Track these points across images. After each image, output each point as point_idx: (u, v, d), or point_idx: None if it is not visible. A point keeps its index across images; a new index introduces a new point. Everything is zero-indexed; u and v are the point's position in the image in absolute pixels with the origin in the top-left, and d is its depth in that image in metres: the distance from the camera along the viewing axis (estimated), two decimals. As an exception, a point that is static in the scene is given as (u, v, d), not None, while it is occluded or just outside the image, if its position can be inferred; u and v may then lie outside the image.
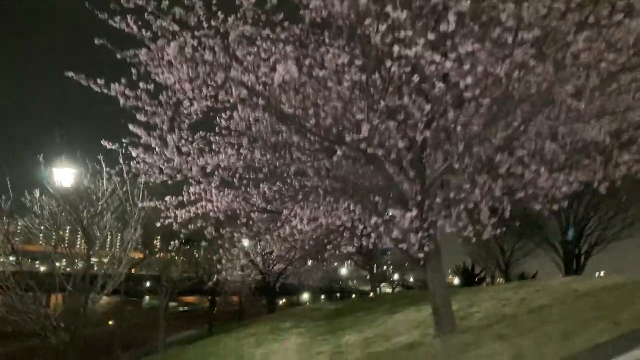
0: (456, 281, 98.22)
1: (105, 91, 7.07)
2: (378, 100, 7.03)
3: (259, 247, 31.30)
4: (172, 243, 10.44)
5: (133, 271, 46.84)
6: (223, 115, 8.48)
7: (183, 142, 8.13)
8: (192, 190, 9.75)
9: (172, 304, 69.26)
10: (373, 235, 8.09)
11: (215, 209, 9.78)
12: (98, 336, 27.42)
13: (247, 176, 9.34)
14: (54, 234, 11.45)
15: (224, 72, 6.63)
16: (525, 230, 31.42)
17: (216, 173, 9.20)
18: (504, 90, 6.98)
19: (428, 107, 6.93)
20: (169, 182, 9.52)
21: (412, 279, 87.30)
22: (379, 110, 7.08)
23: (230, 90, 7.13)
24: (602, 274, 28.34)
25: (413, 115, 7.13)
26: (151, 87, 7.21)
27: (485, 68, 6.10)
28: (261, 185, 9.41)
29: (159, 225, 10.02)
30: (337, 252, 9.95)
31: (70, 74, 6.24)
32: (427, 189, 8.16)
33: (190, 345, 20.23)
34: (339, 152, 7.15)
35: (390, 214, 7.60)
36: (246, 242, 32.39)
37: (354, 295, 79.85)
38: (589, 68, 7.03)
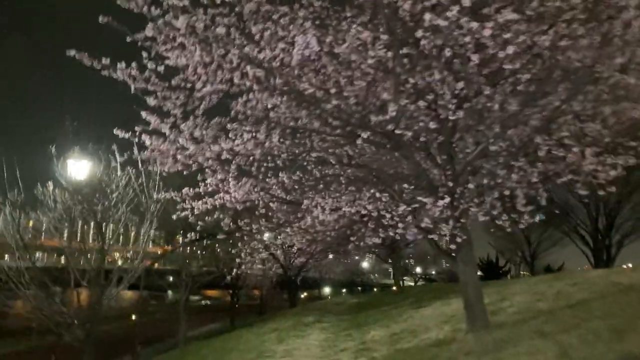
0: (479, 274, 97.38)
1: (112, 75, 6.58)
2: (405, 79, 6.47)
3: (279, 239, 30.97)
4: (189, 235, 9.85)
5: (156, 265, 47.08)
6: (239, 99, 7.97)
7: (197, 128, 7.62)
8: (208, 180, 9.29)
9: (195, 298, 69.59)
10: (400, 225, 7.54)
11: (233, 200, 9.33)
12: (120, 331, 27.35)
13: (265, 165, 8.86)
14: (68, 228, 11.08)
15: (238, 49, 6.11)
16: (553, 219, 30.45)
17: (233, 161, 8.76)
18: (545, 65, 6.36)
19: (460, 85, 6.32)
20: (185, 172, 9.09)
21: (434, 272, 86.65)
22: (406, 90, 6.52)
23: (246, 71, 6.61)
24: (630, 265, 27.39)
25: (443, 94, 6.54)
26: (161, 68, 6.71)
27: (526, 38, 5.47)
28: (280, 174, 8.92)
29: (175, 217, 9.57)
30: (361, 243, 9.39)
31: (72, 52, 5.77)
32: (458, 174, 7.57)
33: (211, 340, 19.91)
34: (363, 136, 6.57)
35: (419, 203, 7.03)
36: (266, 235, 32.10)
37: (375, 289, 79.40)
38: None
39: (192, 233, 9.87)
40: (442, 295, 17.60)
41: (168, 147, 8.42)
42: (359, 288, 69.95)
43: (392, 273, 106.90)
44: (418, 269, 78.30)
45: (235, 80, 6.87)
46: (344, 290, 72.88)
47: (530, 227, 37.43)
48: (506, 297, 11.94)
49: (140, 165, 10.71)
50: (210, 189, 9.44)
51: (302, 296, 65.25)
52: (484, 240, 46.22)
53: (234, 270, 13.14)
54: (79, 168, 10.81)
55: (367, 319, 16.24)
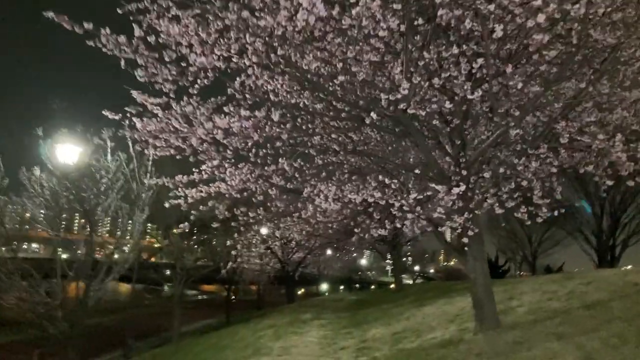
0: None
1: (98, 44, 5.97)
2: (419, 55, 5.87)
3: (277, 233, 30.42)
4: (181, 225, 9.21)
5: (153, 259, 46.43)
6: (236, 80, 7.37)
7: (191, 108, 7.00)
8: (203, 167, 8.71)
9: (191, 292, 68.98)
10: (409, 215, 6.95)
11: (229, 188, 8.75)
12: (113, 324, 26.77)
13: (264, 151, 8.27)
14: (54, 216, 10.42)
15: (236, 15, 5.51)
16: (556, 217, 29.83)
17: (229, 146, 8.19)
18: (573, 42, 5.77)
19: (480, 61, 5.72)
20: (177, 157, 8.53)
21: (432, 270, 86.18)
22: (419, 69, 5.92)
23: (244, 43, 6.02)
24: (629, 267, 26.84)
25: (458, 74, 5.95)
26: (152, 39, 6.10)
27: (557, 7, 4.87)
28: (280, 161, 8.33)
29: (167, 205, 8.97)
30: (366, 235, 8.79)
31: (50, 14, 5.15)
32: (472, 162, 6.99)
33: (205, 335, 19.34)
34: (373, 116, 5.96)
35: (432, 191, 6.45)
36: (264, 230, 31.54)
37: (372, 286, 78.91)
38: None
39: (186, 223, 9.15)
40: (444, 293, 17.03)
41: (159, 128, 7.86)
42: (357, 285, 69.32)
43: (391, 270, 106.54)
44: (416, 267, 77.83)
45: (233, 52, 6.27)
46: (341, 287, 72.34)
47: (532, 225, 37.08)
48: (514, 296, 11.38)
49: (131, 149, 10.13)
50: (205, 176, 8.86)
51: (300, 292, 64.74)
52: (485, 238, 45.64)
53: (230, 263, 12.51)
54: (67, 152, 10.17)
55: (367, 316, 15.68)
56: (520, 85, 5.84)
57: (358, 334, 12.57)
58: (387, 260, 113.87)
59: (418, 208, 6.93)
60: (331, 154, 8.50)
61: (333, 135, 8.12)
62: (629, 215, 26.47)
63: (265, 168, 8.51)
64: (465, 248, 8.10)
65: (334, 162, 8.68)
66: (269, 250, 30.69)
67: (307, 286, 66.75)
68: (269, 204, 9.32)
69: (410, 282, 76.99)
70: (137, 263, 20.02)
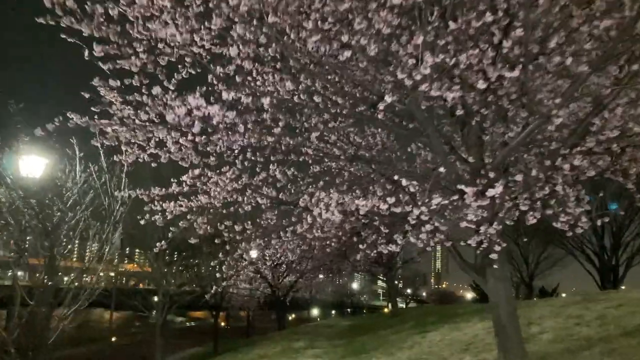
0: (468, 295, 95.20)
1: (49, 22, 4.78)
2: (440, 33, 4.75)
3: (267, 253, 29.06)
4: (158, 245, 7.90)
5: (140, 285, 44.64)
6: (217, 68, 6.22)
7: (167, 98, 5.77)
8: (184, 177, 7.51)
9: (179, 319, 66.87)
10: (426, 227, 5.73)
11: (213, 200, 7.54)
12: (89, 356, 25.08)
13: (253, 157, 7.10)
14: (16, 236, 9.06)
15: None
16: (553, 236, 28.76)
17: (212, 153, 7.03)
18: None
19: (519, 33, 4.60)
20: (153, 165, 7.34)
21: (424, 293, 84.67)
22: (438, 46, 4.79)
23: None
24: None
25: (488, 50, 4.82)
26: (114, 11, 4.93)
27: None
28: (271, 168, 7.14)
29: (143, 222, 7.70)
30: (372, 253, 7.55)
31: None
32: (498, 164, 5.84)
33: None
34: (386, 100, 4.77)
35: (459, 194, 5.26)
36: (253, 253, 30.13)
37: (364, 310, 77.20)
38: None
39: (162, 242, 7.86)
40: (446, 318, 15.77)
41: (132, 130, 6.70)
42: (348, 310, 67.51)
43: (383, 294, 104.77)
44: (408, 290, 76.31)
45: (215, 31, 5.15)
46: (333, 311, 70.59)
47: (527, 245, 35.97)
48: (533, 321, 10.17)
49: (102, 158, 8.85)
50: (185, 189, 7.65)
51: (291, 318, 62.90)
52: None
53: (215, 287, 11.15)
54: (32, 164, 8.91)
55: (365, 344, 14.36)
56: (569, 61, 4.70)
57: (359, 365, 11.28)
58: (379, 284, 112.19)
59: (446, 213, 5.75)
60: (330, 160, 7.35)
61: (332, 138, 6.98)
62: (632, 232, 25.26)
63: (255, 177, 7.34)
64: (489, 267, 6.95)
65: (332, 169, 7.52)
66: (259, 274, 29.26)
67: (299, 311, 64.94)
68: (258, 219, 8.09)
69: (403, 305, 75.40)
70: (115, 289, 18.55)
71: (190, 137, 6.57)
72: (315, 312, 66.02)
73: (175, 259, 18.37)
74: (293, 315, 66.87)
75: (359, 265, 21.86)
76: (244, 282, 31.99)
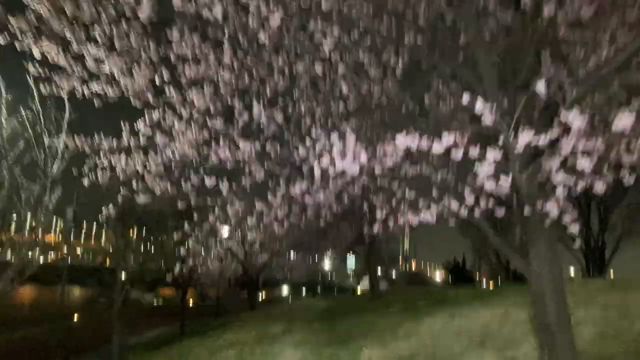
0: (437, 277, 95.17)
1: None
2: None
3: (238, 234, 27.17)
4: (105, 211, 5.91)
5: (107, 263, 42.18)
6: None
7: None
8: (140, 127, 5.61)
9: (149, 297, 64.45)
10: (487, 184, 3.97)
11: (177, 154, 5.68)
12: (45, 337, 22.86)
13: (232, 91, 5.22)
14: None
15: None
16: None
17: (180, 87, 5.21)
18: None
19: None
20: (97, 105, 5.49)
21: (394, 275, 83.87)
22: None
23: None
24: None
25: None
26: None
27: None
28: (254, 106, 5.25)
29: (86, 182, 5.75)
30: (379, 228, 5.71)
31: None
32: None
33: (152, 353, 15.87)
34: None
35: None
36: (224, 230, 28.07)
37: (335, 291, 76.06)
38: None
39: (110, 205, 5.91)
40: (438, 303, 14.22)
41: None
42: (318, 289, 66.15)
43: (353, 275, 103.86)
44: (378, 272, 75.36)
45: None
46: (303, 290, 69.20)
47: (506, 224, 34.88)
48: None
49: (35, 96, 6.82)
50: (142, 140, 5.75)
51: (261, 297, 61.24)
52: (453, 240, 43.38)
53: (179, 265, 9.25)
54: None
55: (350, 330, 12.69)
56: None
57: (348, 356, 9.57)
58: (349, 265, 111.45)
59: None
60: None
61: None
62: (619, 214, 23.99)
63: (236, 121, 5.45)
64: (534, 245, 5.36)
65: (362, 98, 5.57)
66: (230, 253, 27.35)
67: (270, 290, 63.37)
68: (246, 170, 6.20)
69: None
70: (67, 266, 16.44)
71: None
72: (285, 290, 64.47)
73: (137, 233, 16.24)
74: (264, 295, 65.24)
75: (339, 244, 20.17)
76: (214, 261, 30.12)
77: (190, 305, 48.76)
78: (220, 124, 5.38)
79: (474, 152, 3.61)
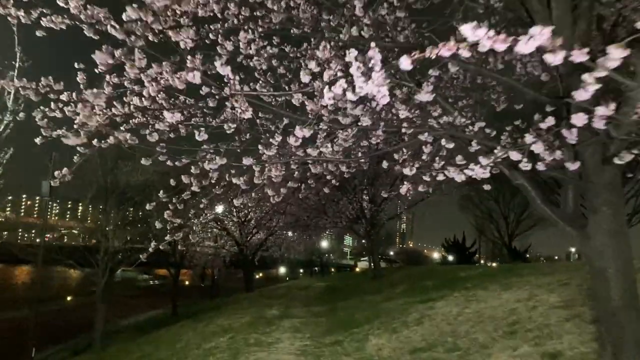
0: (435, 255, 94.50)
1: None
2: None
3: (233, 212, 25.98)
4: (57, 175, 4.62)
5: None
6: None
7: None
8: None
9: (144, 277, 63.40)
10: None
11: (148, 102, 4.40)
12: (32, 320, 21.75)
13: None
14: None
15: None
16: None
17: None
18: None
19: None
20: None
21: (392, 253, 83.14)
22: None
23: None
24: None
25: None
26: None
27: None
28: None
29: (38, 141, 4.47)
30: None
31: None
32: None
33: (140, 339, 14.74)
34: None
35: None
36: (219, 208, 26.86)
37: (332, 269, 75.28)
38: None
39: (65, 170, 4.61)
40: (449, 283, 13.10)
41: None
42: (316, 268, 65.16)
43: (350, 253, 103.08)
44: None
45: None
46: (301, 270, 68.31)
47: (508, 203, 33.64)
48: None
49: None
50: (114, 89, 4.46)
51: (258, 276, 60.30)
52: (455, 217, 42.33)
53: (154, 244, 7.99)
54: None
55: (354, 314, 11.57)
56: None
57: (353, 345, 8.41)
58: (346, 243, 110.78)
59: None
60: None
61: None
62: (633, 187, 22.13)
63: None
64: (596, 213, 4.19)
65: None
66: (225, 231, 26.17)
67: (267, 269, 62.37)
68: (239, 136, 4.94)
69: (371, 265, 73.44)
70: (42, 245, 15.18)
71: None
72: (282, 270, 63.52)
73: (121, 209, 14.87)
74: (261, 274, 64.29)
75: (340, 221, 19.00)
76: (208, 240, 28.96)
77: (187, 285, 47.83)
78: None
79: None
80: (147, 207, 5.67)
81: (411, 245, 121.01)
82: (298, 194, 18.70)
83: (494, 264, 33.75)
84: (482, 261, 49.80)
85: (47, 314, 20.50)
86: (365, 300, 13.89)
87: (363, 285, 18.83)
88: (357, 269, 64.13)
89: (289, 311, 13.81)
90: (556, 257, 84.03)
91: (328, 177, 5.53)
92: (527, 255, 43.79)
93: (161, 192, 5.92)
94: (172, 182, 5.65)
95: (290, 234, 29.49)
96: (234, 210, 25.75)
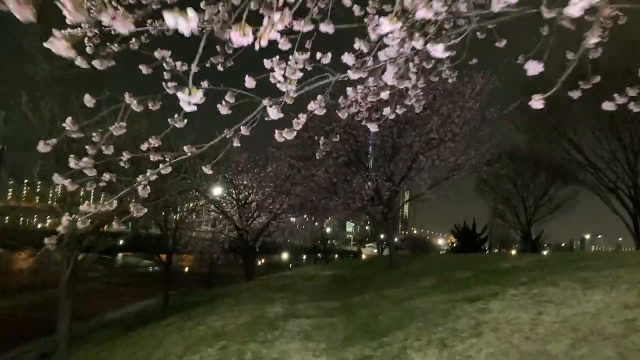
0: (440, 242, 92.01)
1: None
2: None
3: (232, 194, 23.48)
4: None
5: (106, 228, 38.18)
6: None
7: None
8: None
9: (146, 262, 60.65)
10: None
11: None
12: (15, 311, 19.30)
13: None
14: None
15: None
16: (566, 168, 23.76)
17: None
18: None
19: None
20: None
21: (396, 239, 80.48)
22: None
23: None
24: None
25: None
26: None
27: None
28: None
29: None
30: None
31: None
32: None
33: (111, 343, 12.20)
34: None
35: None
36: (216, 190, 24.36)
37: (335, 256, 72.88)
38: None
39: None
40: (487, 275, 10.66)
41: None
42: (319, 255, 62.52)
43: (353, 239, 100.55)
44: (381, 235, 71.75)
45: None
46: (304, 256, 65.82)
47: (530, 184, 30.93)
48: None
49: None
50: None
51: (260, 263, 57.81)
52: (458, 203, 39.61)
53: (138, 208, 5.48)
54: None
55: (378, 315, 9.08)
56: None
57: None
58: (349, 229, 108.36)
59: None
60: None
61: None
62: None
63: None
64: None
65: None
66: (223, 215, 23.68)
67: (269, 255, 59.81)
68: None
69: (376, 251, 70.96)
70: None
71: None
72: (285, 256, 60.93)
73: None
74: (263, 260, 61.72)
75: (353, 202, 16.35)
76: (205, 224, 26.50)
77: (186, 272, 45.36)
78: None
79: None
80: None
81: (414, 231, 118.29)
82: (307, 170, 16.25)
83: (512, 252, 31.29)
84: (493, 249, 47.37)
85: (22, 307, 18.03)
86: (386, 296, 11.39)
87: (378, 275, 16.30)
88: (363, 256, 61.71)
89: (295, 308, 11.33)
90: (563, 245, 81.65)
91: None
92: (545, 244, 41.42)
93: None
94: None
95: (294, 219, 27.03)
96: (234, 191, 23.24)
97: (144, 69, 2.57)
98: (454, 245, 48.55)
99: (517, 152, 27.75)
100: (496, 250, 54.86)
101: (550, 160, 26.25)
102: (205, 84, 2.24)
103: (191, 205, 21.82)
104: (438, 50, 2.05)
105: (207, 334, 9.06)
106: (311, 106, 2.59)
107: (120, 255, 73.88)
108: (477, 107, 15.50)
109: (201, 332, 9.30)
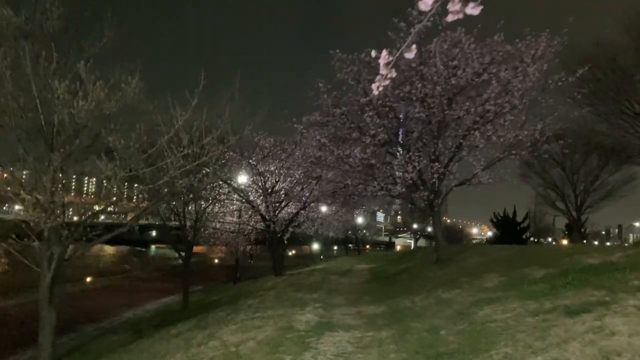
0: (474, 231, 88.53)
1: None
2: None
3: (259, 182, 21.35)
4: None
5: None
6: None
7: None
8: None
9: (174, 255, 59.36)
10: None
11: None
12: (25, 309, 17.65)
13: None
14: None
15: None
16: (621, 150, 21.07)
17: None
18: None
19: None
20: None
21: (429, 229, 77.62)
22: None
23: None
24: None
25: None
26: None
27: None
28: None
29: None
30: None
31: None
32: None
33: (114, 354, 10.19)
34: None
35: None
36: (242, 179, 22.28)
37: (367, 247, 70.57)
38: None
39: None
40: (576, 276, 8.25)
41: None
42: (350, 245, 60.29)
43: (384, 229, 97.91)
44: (414, 226, 69.04)
45: None
46: (335, 247, 63.74)
47: (581, 168, 28.08)
48: None
49: None
50: None
51: (290, 254, 55.95)
52: (511, 187, 36.88)
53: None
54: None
55: (440, 331, 6.82)
56: None
57: None
58: (379, 219, 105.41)
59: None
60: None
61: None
62: None
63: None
64: None
65: None
66: (249, 204, 21.58)
67: (298, 246, 57.91)
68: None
69: (411, 242, 68.31)
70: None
71: None
72: (315, 246, 58.82)
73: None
74: (293, 251, 59.89)
75: (394, 187, 13.92)
76: (230, 215, 24.53)
77: (215, 264, 43.66)
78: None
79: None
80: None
81: (447, 221, 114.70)
82: (341, 151, 13.99)
83: (563, 241, 28.47)
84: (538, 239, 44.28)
85: (30, 304, 16.34)
86: (444, 300, 9.08)
87: (425, 271, 13.93)
88: (397, 247, 59.23)
89: (331, 315, 9.12)
90: (602, 233, 77.23)
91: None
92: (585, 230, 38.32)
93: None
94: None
95: (324, 208, 24.81)
96: (260, 179, 21.12)
97: None
98: (494, 235, 45.61)
99: (567, 132, 24.94)
100: (535, 240, 51.73)
101: (604, 141, 23.51)
102: None
103: (213, 194, 19.76)
104: None
105: (216, 355, 6.91)
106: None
107: (153, 247, 73.32)
108: (537, 75, 12.96)
109: (210, 353, 7.15)
